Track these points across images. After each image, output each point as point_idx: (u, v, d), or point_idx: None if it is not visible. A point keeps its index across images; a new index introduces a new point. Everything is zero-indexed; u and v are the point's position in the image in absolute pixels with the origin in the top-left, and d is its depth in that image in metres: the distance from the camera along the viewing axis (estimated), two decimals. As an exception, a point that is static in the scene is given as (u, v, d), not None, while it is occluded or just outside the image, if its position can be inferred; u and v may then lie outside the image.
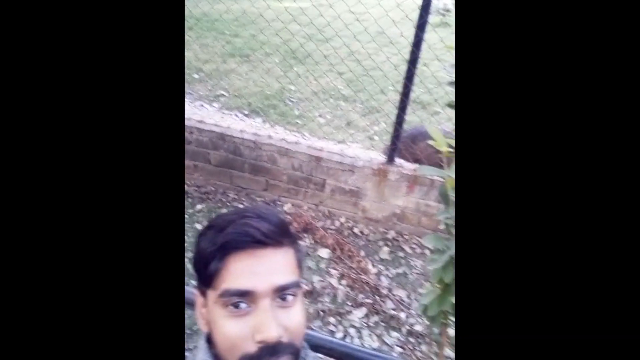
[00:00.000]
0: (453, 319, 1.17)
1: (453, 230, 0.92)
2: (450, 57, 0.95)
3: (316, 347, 0.62)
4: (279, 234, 0.51)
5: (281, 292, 0.49)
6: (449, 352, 1.59)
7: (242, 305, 0.47)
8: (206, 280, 0.50)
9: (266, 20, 2.61)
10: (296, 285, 0.50)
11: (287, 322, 0.48)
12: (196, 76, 3.97)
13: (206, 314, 0.52)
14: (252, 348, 0.46)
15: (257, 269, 0.48)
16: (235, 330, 0.47)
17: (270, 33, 2.82)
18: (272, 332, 0.46)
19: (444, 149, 0.77)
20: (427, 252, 2.32)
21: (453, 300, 0.97)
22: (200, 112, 2.83)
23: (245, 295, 0.47)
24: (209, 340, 0.53)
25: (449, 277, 1.02)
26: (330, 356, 0.64)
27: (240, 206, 2.53)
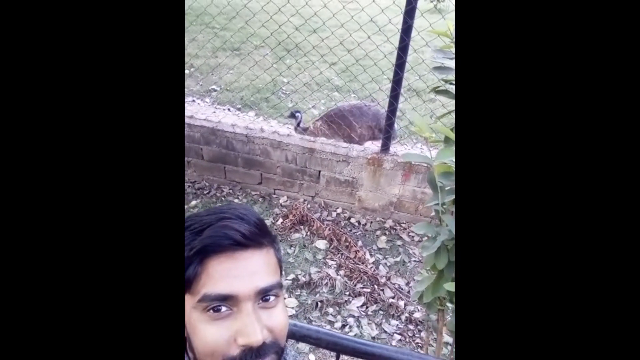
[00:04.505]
0: (449, 305, 1.17)
1: (443, 217, 0.92)
2: (441, 43, 0.93)
3: (303, 337, 0.62)
4: (259, 235, 0.49)
5: (263, 294, 0.48)
6: (447, 338, 1.60)
7: (223, 308, 0.46)
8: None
9: (251, 12, 2.57)
10: (278, 286, 0.49)
11: (270, 323, 0.47)
12: (186, 71, 3.93)
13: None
14: (234, 351, 0.45)
15: (238, 272, 0.47)
16: (217, 335, 0.45)
17: (257, 25, 2.79)
18: (257, 336, 0.45)
19: (427, 134, 0.76)
20: (425, 239, 2.32)
21: (447, 286, 0.97)
22: (191, 108, 2.81)
23: (227, 300, 0.46)
24: (185, 345, 0.51)
25: (442, 263, 1.01)
26: (318, 345, 0.64)
27: (236, 201, 2.52)
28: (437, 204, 0.88)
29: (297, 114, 2.70)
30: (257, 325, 0.45)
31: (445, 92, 0.89)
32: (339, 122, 2.51)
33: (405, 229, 2.41)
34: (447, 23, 0.79)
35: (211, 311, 0.46)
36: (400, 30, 1.99)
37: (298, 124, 2.70)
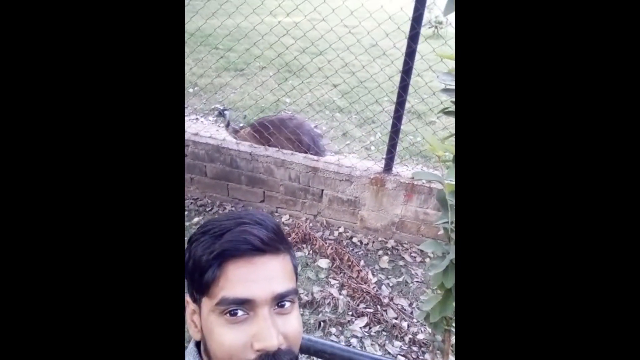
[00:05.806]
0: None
1: (452, 235, 0.93)
2: (442, 67, 0.97)
3: (318, 352, 0.62)
4: (277, 241, 0.50)
5: (280, 300, 0.48)
6: (452, 360, 1.58)
7: (240, 312, 0.46)
8: (201, 288, 0.49)
9: (260, 34, 2.64)
10: (294, 292, 0.50)
11: (286, 329, 0.48)
12: (191, 90, 3.99)
13: (199, 322, 0.51)
14: (250, 356, 0.46)
15: (256, 277, 0.47)
16: (234, 338, 0.46)
17: (264, 47, 2.86)
18: (272, 341, 0.45)
19: (440, 153, 0.78)
20: (427, 260, 2.32)
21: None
22: (195, 126, 2.84)
23: (244, 304, 0.46)
24: (199, 348, 0.52)
25: (450, 282, 1.01)
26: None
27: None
28: (447, 222, 0.89)
29: (224, 112, 2.62)
30: (273, 330, 0.46)
31: (453, 113, 0.91)
32: (261, 131, 2.53)
33: (407, 249, 2.41)
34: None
35: (228, 315, 0.46)
36: (404, 54, 2.04)
37: (228, 123, 2.63)
